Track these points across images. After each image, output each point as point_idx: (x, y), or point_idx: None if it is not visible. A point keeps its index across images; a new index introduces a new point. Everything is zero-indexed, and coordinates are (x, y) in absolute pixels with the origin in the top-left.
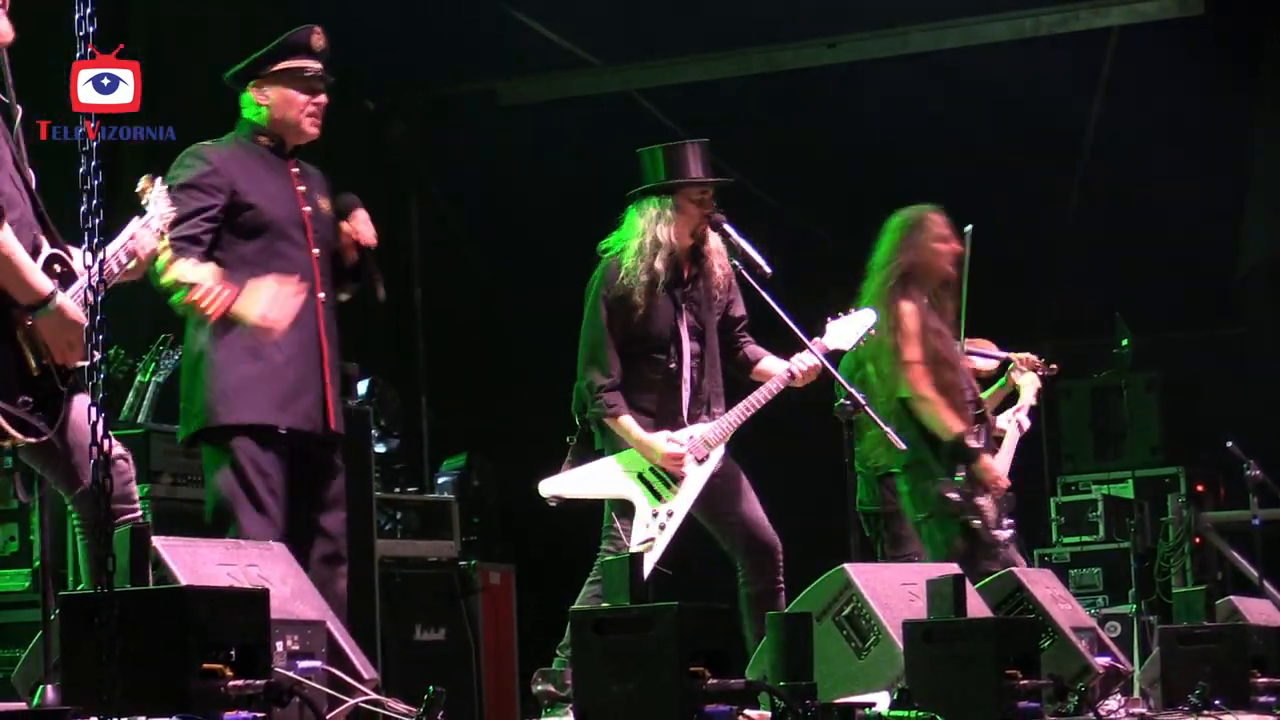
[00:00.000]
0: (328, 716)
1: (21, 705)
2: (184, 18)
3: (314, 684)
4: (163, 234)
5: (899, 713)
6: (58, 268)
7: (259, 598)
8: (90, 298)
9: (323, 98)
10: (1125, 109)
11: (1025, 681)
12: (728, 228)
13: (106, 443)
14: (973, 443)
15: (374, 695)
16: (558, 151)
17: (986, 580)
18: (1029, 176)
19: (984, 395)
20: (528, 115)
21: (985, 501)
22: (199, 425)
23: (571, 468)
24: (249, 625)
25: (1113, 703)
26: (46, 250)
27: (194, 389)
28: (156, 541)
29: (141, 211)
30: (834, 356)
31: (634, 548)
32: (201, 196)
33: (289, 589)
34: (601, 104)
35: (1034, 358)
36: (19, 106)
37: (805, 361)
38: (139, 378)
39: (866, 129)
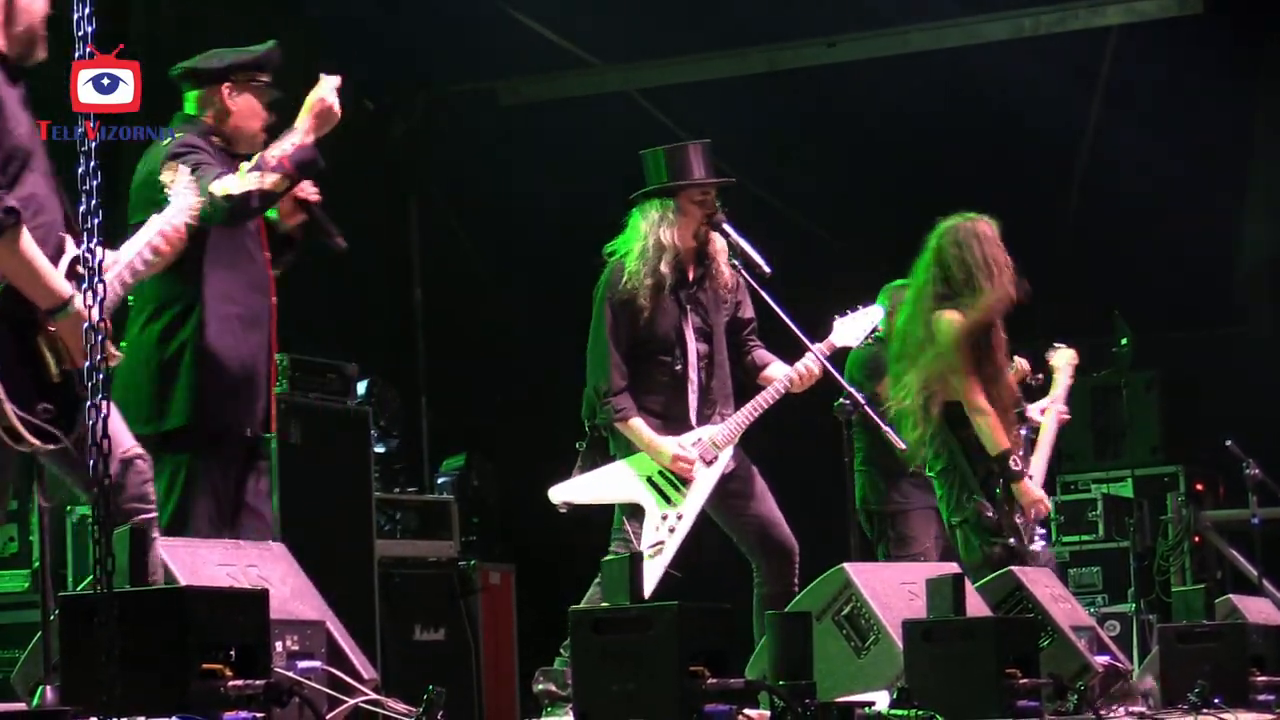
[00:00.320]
0: (327, 717)
1: (21, 706)
2: (184, 18)
3: (313, 684)
4: (189, 224)
5: (898, 712)
6: (82, 269)
7: (258, 598)
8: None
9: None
10: (1125, 108)
11: (1024, 680)
12: (727, 228)
13: (107, 443)
14: (1015, 464)
15: (373, 695)
16: (558, 151)
17: (986, 579)
18: (1028, 176)
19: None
20: (528, 115)
21: (1020, 519)
22: (179, 423)
23: (581, 473)
24: (249, 625)
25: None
26: (72, 252)
27: (170, 385)
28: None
29: (159, 204)
30: (840, 354)
31: (644, 551)
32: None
33: (289, 589)
34: (601, 104)
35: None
36: None
37: (806, 365)
38: None
39: (866, 128)
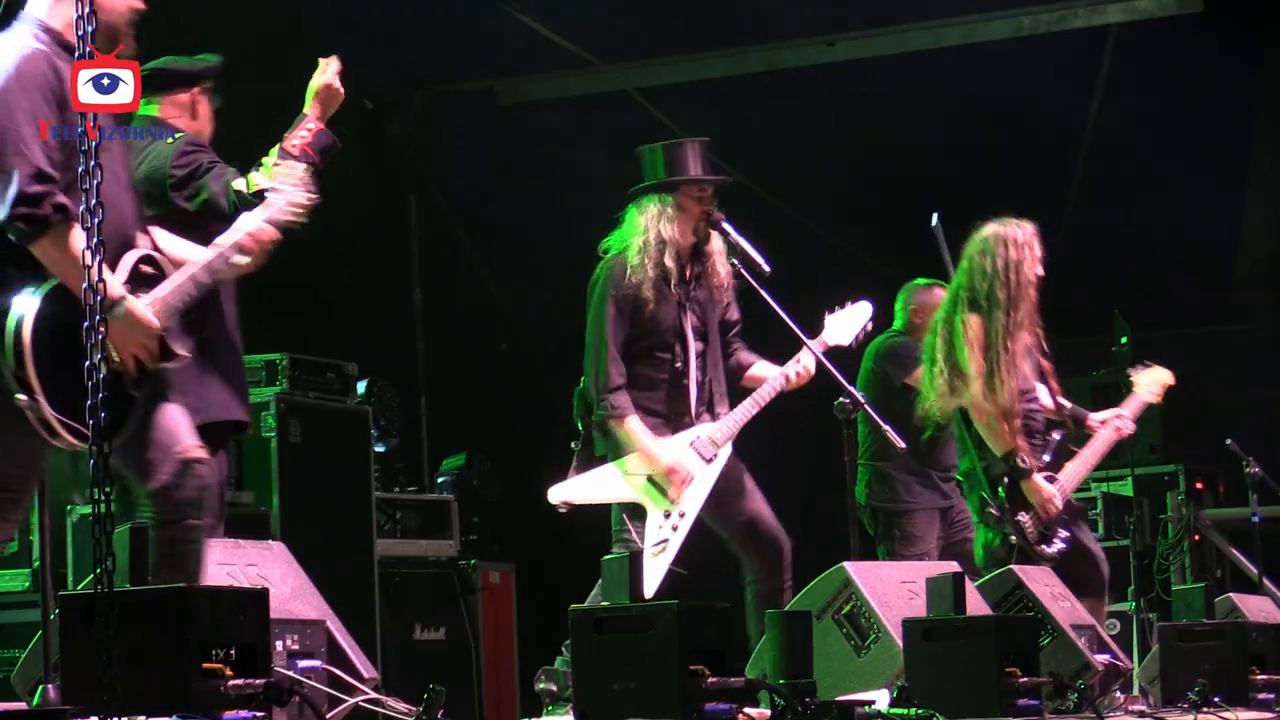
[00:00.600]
0: (328, 716)
1: (21, 705)
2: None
3: (314, 683)
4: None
5: (898, 710)
6: (147, 269)
7: (259, 597)
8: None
9: None
10: (1125, 107)
11: (1025, 679)
12: (726, 226)
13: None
14: (1023, 461)
15: (374, 694)
16: (557, 150)
17: (985, 578)
18: (1028, 175)
19: None
20: (527, 114)
21: (1026, 518)
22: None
23: (578, 473)
24: (249, 624)
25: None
26: (140, 251)
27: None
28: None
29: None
30: (832, 352)
31: (648, 550)
32: None
33: (289, 588)
34: (600, 102)
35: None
36: None
37: (803, 363)
38: None
39: (865, 127)
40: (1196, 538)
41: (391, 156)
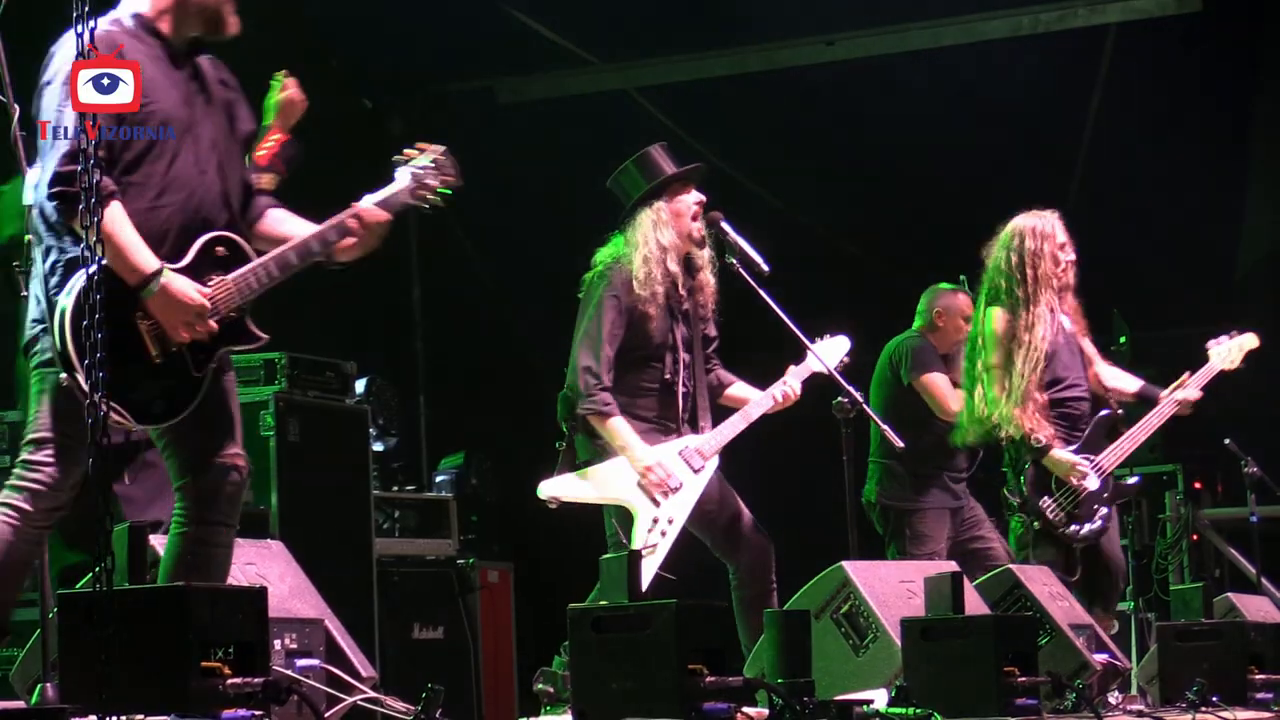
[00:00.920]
0: (326, 715)
1: (20, 703)
2: None
3: (312, 682)
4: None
5: (897, 710)
6: (220, 250)
7: (257, 596)
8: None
9: None
10: (1124, 107)
11: (1023, 679)
12: (724, 225)
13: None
14: (1039, 440)
15: (372, 693)
16: (556, 149)
17: (984, 578)
18: (1027, 174)
19: None
20: (526, 113)
21: (1048, 502)
22: None
23: (563, 473)
24: (247, 623)
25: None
26: (215, 232)
27: None
28: (156, 540)
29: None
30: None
31: None
32: None
33: (287, 587)
34: (600, 102)
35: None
36: (16, 106)
37: (790, 385)
38: None
39: (864, 127)
40: (1195, 537)
41: (390, 155)
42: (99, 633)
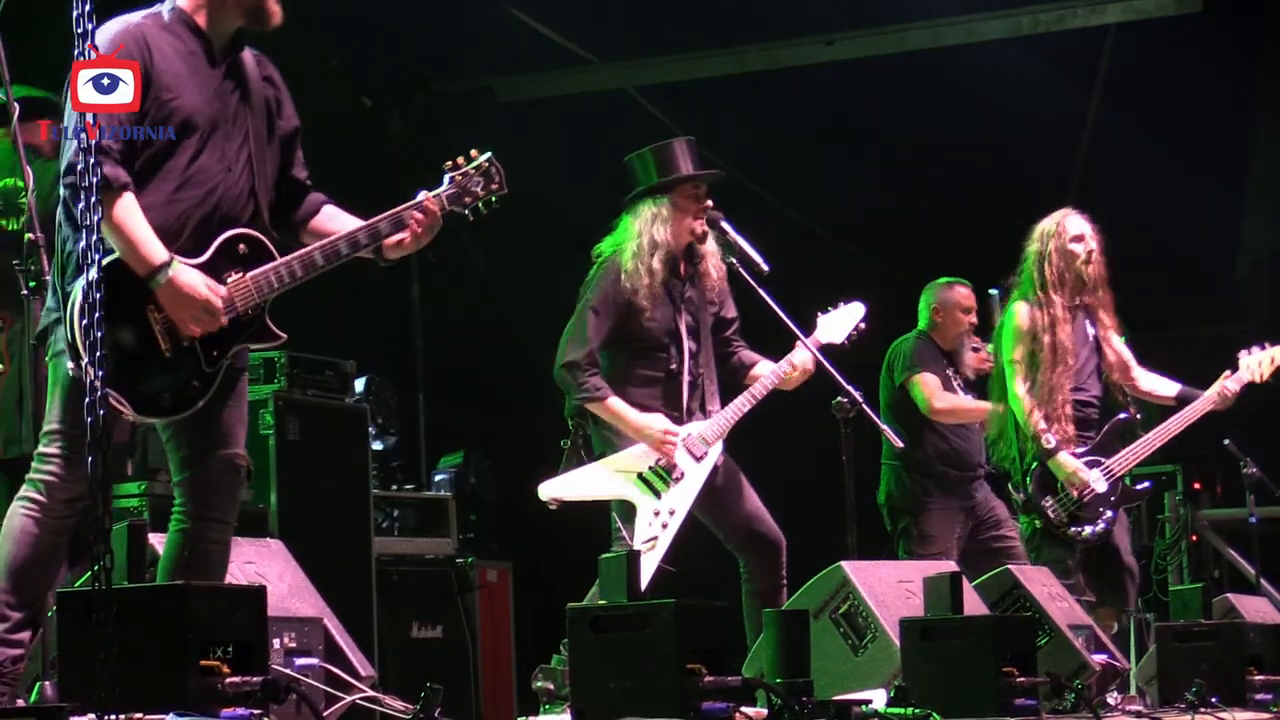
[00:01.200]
0: (325, 713)
1: (19, 702)
2: None
3: (311, 681)
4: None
5: (895, 710)
6: (242, 248)
7: (256, 595)
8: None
9: None
10: (1123, 107)
11: (1022, 679)
12: (725, 225)
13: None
14: (1048, 441)
15: (371, 692)
16: (556, 149)
17: (984, 578)
18: (1026, 174)
19: None
20: (526, 112)
21: (1050, 501)
22: None
23: (567, 471)
24: (246, 622)
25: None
26: (237, 230)
27: None
28: (155, 539)
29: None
30: (827, 351)
31: (637, 547)
32: None
33: (286, 586)
34: (599, 101)
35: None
36: (15, 104)
37: (797, 361)
38: None
39: (864, 126)
40: (1194, 538)
41: (390, 154)
42: (98, 631)
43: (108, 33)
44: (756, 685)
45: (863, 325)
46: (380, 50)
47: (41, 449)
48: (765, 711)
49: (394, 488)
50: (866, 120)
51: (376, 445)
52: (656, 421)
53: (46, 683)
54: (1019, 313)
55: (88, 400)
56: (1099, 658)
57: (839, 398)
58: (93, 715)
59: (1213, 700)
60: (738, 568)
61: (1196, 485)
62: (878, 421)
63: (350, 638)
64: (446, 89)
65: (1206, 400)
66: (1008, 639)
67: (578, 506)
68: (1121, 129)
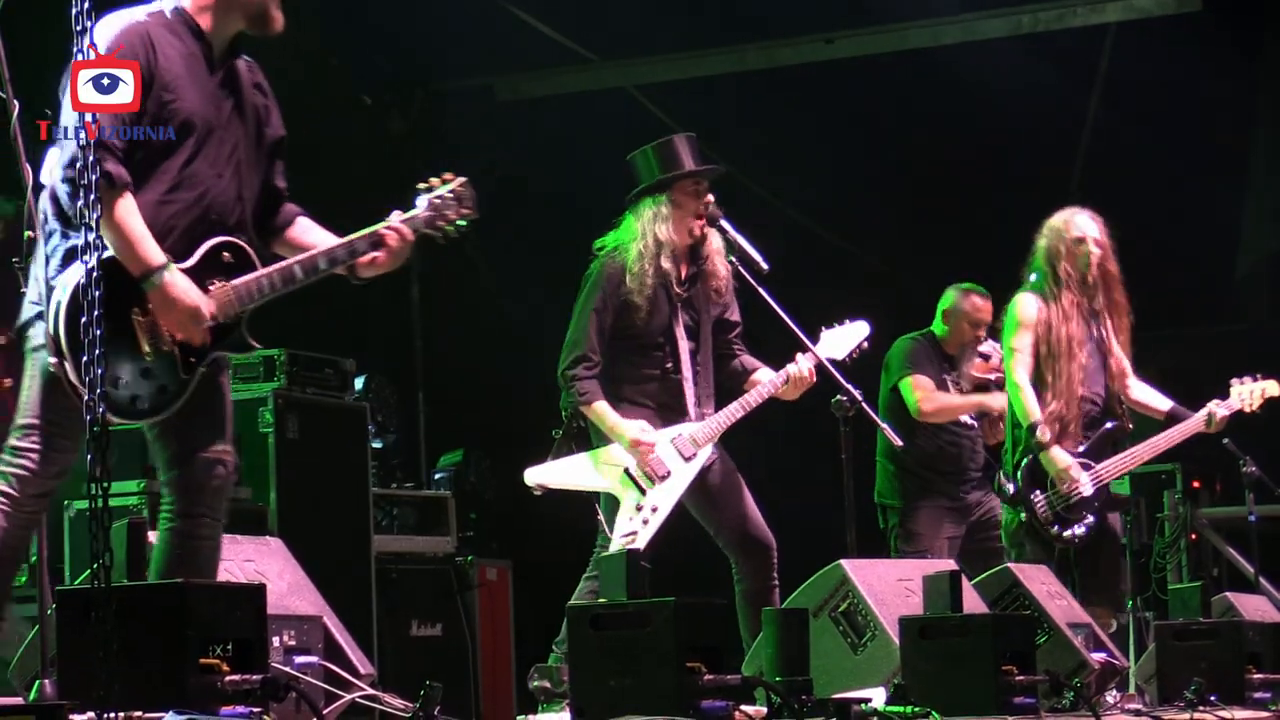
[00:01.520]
0: (324, 712)
1: (18, 699)
2: None
3: (310, 679)
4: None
5: (895, 708)
6: (226, 256)
7: (256, 593)
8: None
9: None
10: (1123, 106)
11: (1021, 677)
12: (725, 224)
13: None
14: (1044, 434)
15: (370, 690)
16: (555, 147)
17: (983, 576)
18: (1027, 174)
19: None
20: (525, 111)
21: (1039, 497)
22: None
23: (557, 459)
24: (246, 620)
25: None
26: (223, 238)
27: None
28: (154, 537)
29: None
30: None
31: (616, 540)
32: None
33: (286, 584)
34: (599, 100)
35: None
36: (15, 103)
37: (799, 367)
38: None
39: (864, 126)
40: (1193, 536)
41: (390, 153)
42: (97, 629)
43: (109, 30)
44: (756, 683)
45: (865, 345)
46: (381, 50)
47: (15, 442)
48: (765, 710)
49: (393, 486)
50: (866, 119)
51: (376, 443)
52: (632, 429)
53: (46, 681)
54: (1024, 303)
55: (86, 399)
56: (1098, 656)
57: (838, 396)
58: (92, 713)
59: (1212, 698)
60: (730, 568)
61: (1196, 484)
62: (876, 420)
63: (350, 636)
64: (446, 88)
65: (1195, 422)
66: (1007, 637)
67: (578, 504)
68: (1121, 128)
